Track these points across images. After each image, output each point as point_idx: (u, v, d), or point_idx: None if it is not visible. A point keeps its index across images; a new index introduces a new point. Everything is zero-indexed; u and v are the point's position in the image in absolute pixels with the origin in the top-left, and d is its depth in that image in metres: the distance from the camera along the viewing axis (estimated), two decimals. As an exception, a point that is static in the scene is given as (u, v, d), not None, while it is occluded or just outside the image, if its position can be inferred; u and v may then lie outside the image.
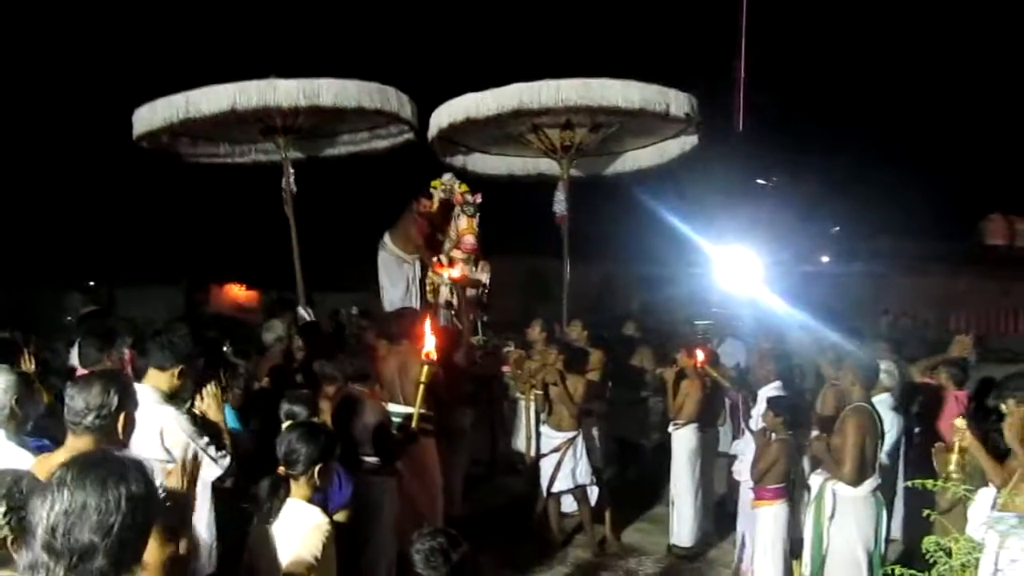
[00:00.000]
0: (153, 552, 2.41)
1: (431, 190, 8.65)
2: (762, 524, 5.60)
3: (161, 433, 3.74)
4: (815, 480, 5.28)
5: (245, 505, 3.40)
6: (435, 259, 8.39)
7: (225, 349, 5.83)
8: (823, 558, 5.15)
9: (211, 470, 3.85)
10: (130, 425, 3.11)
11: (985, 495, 4.16)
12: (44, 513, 1.77)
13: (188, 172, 11.16)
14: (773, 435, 5.58)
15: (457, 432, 6.98)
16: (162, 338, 3.97)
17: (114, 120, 8.60)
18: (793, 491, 5.71)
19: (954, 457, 4.36)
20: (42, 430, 3.58)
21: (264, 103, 7.48)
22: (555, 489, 6.98)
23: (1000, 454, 4.45)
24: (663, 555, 6.96)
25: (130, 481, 1.84)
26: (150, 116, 7.86)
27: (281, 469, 3.41)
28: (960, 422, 4.53)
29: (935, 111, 22.48)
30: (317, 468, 3.40)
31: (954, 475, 4.22)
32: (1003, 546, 4.04)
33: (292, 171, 8.39)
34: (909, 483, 4.03)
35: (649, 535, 7.40)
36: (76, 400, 3.00)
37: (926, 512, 3.78)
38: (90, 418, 2.98)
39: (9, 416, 3.30)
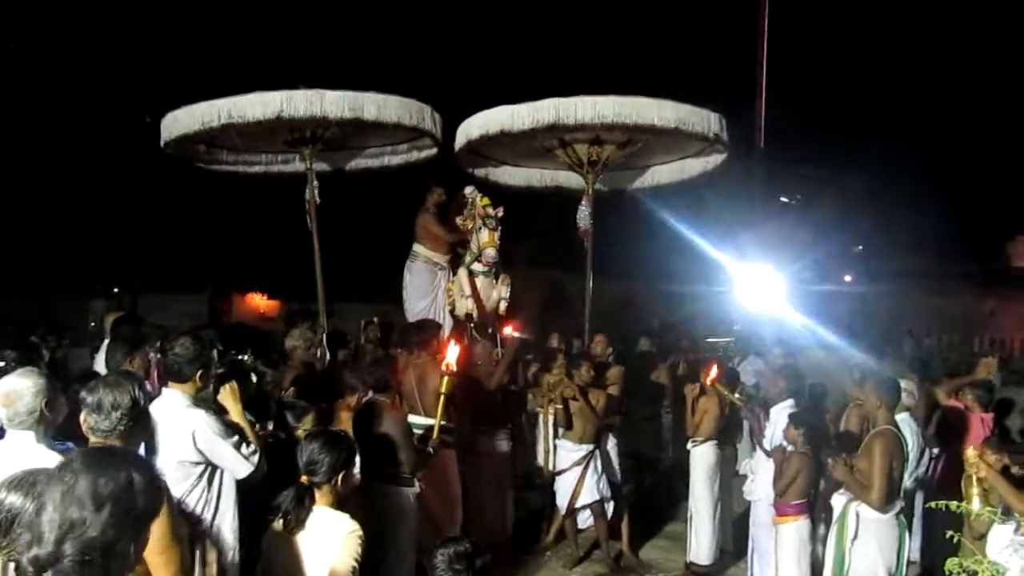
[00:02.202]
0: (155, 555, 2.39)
1: (432, 184, 8.79)
2: (784, 540, 5.56)
3: (194, 436, 3.78)
4: (838, 501, 5.24)
5: (269, 516, 3.41)
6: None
7: (245, 357, 5.88)
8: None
9: (241, 468, 3.89)
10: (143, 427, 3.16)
11: (1003, 530, 4.12)
12: (46, 496, 1.81)
13: (212, 181, 11.23)
14: (790, 449, 5.56)
15: (497, 454, 7.03)
16: (169, 358, 4.01)
17: (138, 127, 8.66)
18: (813, 508, 5.68)
19: (975, 490, 4.32)
20: (62, 433, 3.62)
21: (311, 113, 7.52)
22: (579, 504, 6.98)
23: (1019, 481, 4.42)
24: (681, 572, 6.94)
25: (131, 466, 1.86)
26: (188, 120, 7.87)
27: (304, 478, 3.43)
28: (971, 453, 4.49)
29: (962, 130, 22.30)
30: (340, 476, 3.42)
31: (976, 508, 4.18)
32: (1026, 569, 4.01)
33: (317, 182, 8.44)
34: (932, 504, 3.99)
35: (667, 552, 7.37)
36: (91, 403, 3.07)
37: (950, 534, 3.73)
38: (106, 423, 3.03)
39: (39, 419, 3.35)
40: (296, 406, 4.99)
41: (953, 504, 3.61)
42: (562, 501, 7.03)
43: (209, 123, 7.67)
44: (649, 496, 8.28)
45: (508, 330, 7.33)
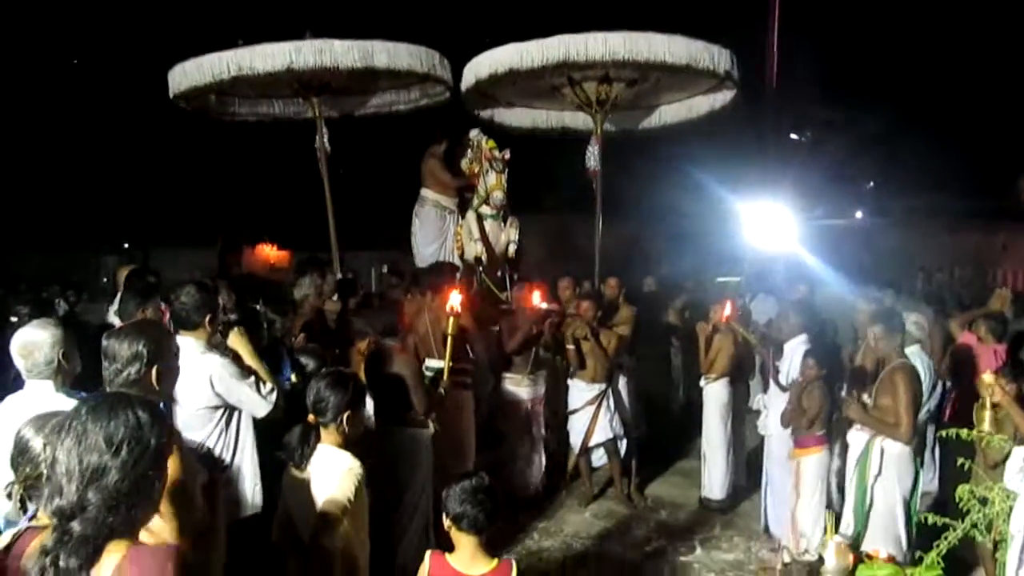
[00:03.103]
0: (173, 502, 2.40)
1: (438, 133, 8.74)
2: (806, 473, 5.60)
3: (211, 380, 3.83)
4: (858, 438, 5.27)
5: (278, 453, 3.46)
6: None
7: (257, 307, 5.90)
8: (867, 514, 5.19)
9: (260, 407, 3.95)
10: (167, 376, 3.16)
11: (1016, 456, 4.15)
12: (59, 441, 1.83)
13: (221, 133, 11.19)
14: (808, 386, 5.58)
15: (521, 402, 7.09)
16: (175, 307, 4.03)
17: (147, 82, 8.59)
18: (831, 440, 5.72)
19: (987, 414, 4.34)
20: (79, 383, 3.66)
21: (321, 63, 7.45)
22: (592, 442, 7.07)
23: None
24: (695, 507, 7.03)
25: (136, 407, 1.87)
26: (196, 73, 7.80)
27: (311, 417, 3.47)
28: (988, 378, 4.50)
29: (974, 66, 21.92)
30: (346, 415, 3.46)
31: (987, 430, 4.20)
32: (1038, 495, 4.05)
33: (326, 130, 8.39)
34: (943, 433, 4.01)
35: (681, 488, 7.46)
36: (108, 353, 3.08)
37: (961, 461, 3.77)
38: (123, 374, 3.05)
39: (57, 369, 3.38)
40: (313, 352, 5.01)
41: (964, 432, 3.63)
42: (576, 440, 7.11)
43: (219, 76, 7.63)
44: (662, 434, 8.35)
45: (536, 300, 6.93)
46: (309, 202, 9.21)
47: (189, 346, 3.90)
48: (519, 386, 7.01)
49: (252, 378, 3.96)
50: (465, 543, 3.04)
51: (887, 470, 5.15)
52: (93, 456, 1.79)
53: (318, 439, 3.45)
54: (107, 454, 1.79)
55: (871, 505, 5.17)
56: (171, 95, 8.18)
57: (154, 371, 3.06)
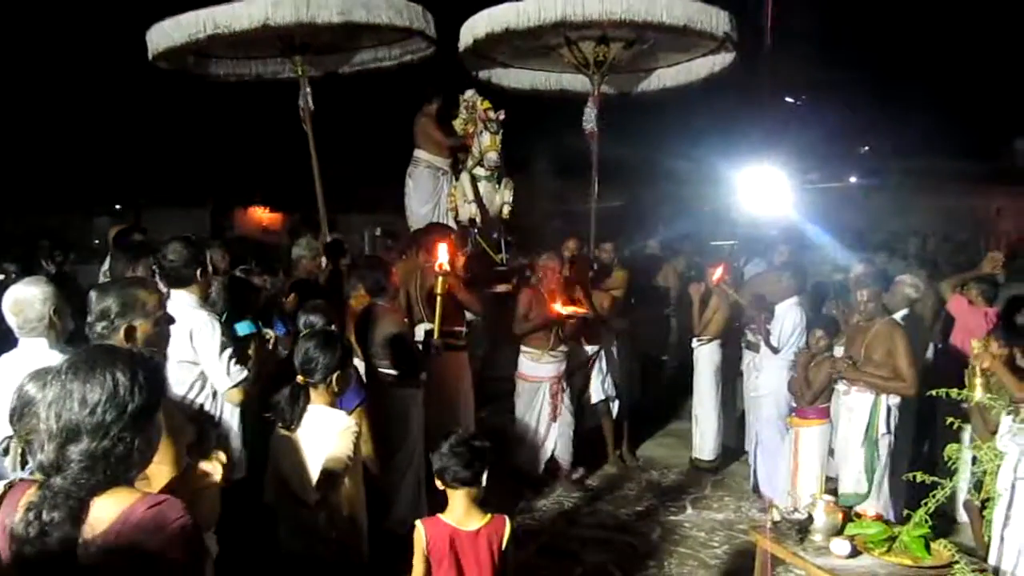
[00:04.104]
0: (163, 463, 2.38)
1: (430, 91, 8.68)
2: (806, 443, 5.63)
3: (191, 334, 3.81)
4: (862, 399, 5.31)
5: (267, 414, 3.47)
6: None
7: (251, 268, 5.88)
8: (874, 472, 5.26)
9: (221, 380, 3.88)
10: (148, 335, 3.07)
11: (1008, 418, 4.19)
12: (41, 398, 1.83)
13: (214, 93, 11.06)
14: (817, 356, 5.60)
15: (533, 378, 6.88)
16: (164, 264, 4.01)
17: (137, 42, 8.47)
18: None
19: (978, 380, 4.36)
20: (72, 342, 3.65)
21: (299, 19, 7.35)
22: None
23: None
24: (686, 468, 7.08)
25: (117, 367, 1.84)
26: (173, 32, 7.70)
27: (300, 378, 3.47)
28: (977, 345, 4.52)
29: (970, 29, 21.75)
30: (335, 375, 3.46)
31: (979, 396, 4.23)
32: (1023, 455, 4.09)
33: (309, 89, 8.30)
34: (934, 392, 4.04)
35: (672, 449, 7.52)
36: (87, 309, 3.07)
37: (950, 421, 3.80)
38: (94, 330, 3.03)
39: (49, 326, 3.37)
40: (321, 309, 4.96)
41: (953, 392, 3.65)
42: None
43: (196, 34, 7.52)
44: (656, 396, 8.39)
45: (565, 309, 6.43)
46: (301, 164, 9.14)
47: (182, 301, 3.91)
48: (538, 362, 6.65)
49: (230, 350, 3.90)
50: (456, 499, 3.08)
51: (893, 427, 5.24)
52: (71, 415, 1.77)
53: (307, 400, 3.46)
54: (83, 414, 1.78)
55: (877, 462, 5.25)
56: (150, 56, 8.07)
57: (123, 329, 3.00)
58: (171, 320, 3.19)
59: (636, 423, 7.56)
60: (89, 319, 3.04)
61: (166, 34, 7.74)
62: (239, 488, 3.92)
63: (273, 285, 5.70)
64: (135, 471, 1.90)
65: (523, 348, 6.72)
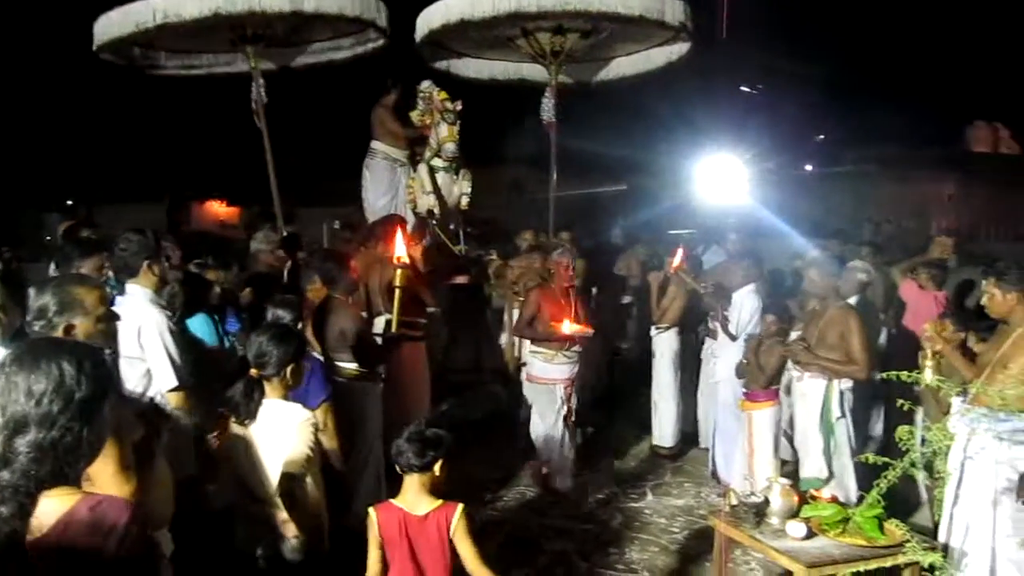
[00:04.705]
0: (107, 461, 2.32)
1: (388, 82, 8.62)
2: (758, 426, 5.70)
3: (139, 330, 3.75)
4: (816, 384, 5.38)
5: (221, 409, 3.42)
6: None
7: (207, 262, 5.80)
8: (831, 457, 5.34)
9: (165, 379, 3.80)
10: (91, 333, 3.00)
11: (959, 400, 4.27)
12: None
13: (165, 87, 10.90)
14: (767, 341, 5.66)
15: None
16: (116, 256, 3.98)
17: (89, 34, 8.30)
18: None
19: (929, 363, 4.44)
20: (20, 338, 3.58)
21: (249, 8, 7.24)
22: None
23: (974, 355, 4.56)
24: (646, 455, 7.14)
25: (63, 357, 1.80)
26: (121, 22, 7.55)
27: (254, 372, 3.43)
28: (928, 327, 4.61)
29: (922, 18, 22.13)
30: (289, 368, 3.43)
31: (931, 379, 4.30)
32: (972, 435, 4.18)
33: (263, 82, 8.20)
34: (885, 375, 4.11)
35: (632, 436, 7.56)
36: (29, 307, 3.01)
37: (901, 402, 3.87)
38: (33, 328, 2.98)
39: (-5, 322, 3.30)
40: (289, 303, 4.90)
41: (904, 374, 3.71)
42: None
43: (144, 24, 7.38)
44: (616, 383, 8.44)
45: (572, 328, 6.06)
46: (258, 157, 9.05)
47: (136, 294, 3.87)
48: (551, 363, 6.19)
49: (175, 352, 3.84)
50: (408, 483, 3.09)
51: (847, 411, 5.32)
52: (17, 407, 1.74)
53: (262, 394, 3.42)
54: (29, 405, 1.74)
55: (835, 446, 5.33)
56: (95, 47, 7.91)
57: (61, 327, 2.94)
58: (115, 317, 3.14)
59: (597, 410, 7.60)
60: (28, 318, 2.99)
61: (113, 24, 7.60)
62: (194, 485, 3.89)
63: (226, 280, 5.62)
64: (84, 463, 1.87)
65: (533, 348, 6.34)
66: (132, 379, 3.78)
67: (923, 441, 3.86)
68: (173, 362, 3.79)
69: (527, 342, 7.09)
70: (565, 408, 6.23)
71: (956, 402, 4.31)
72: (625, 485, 6.46)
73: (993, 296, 4.22)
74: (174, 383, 3.79)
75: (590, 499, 6.20)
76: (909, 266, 7.02)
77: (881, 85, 21.64)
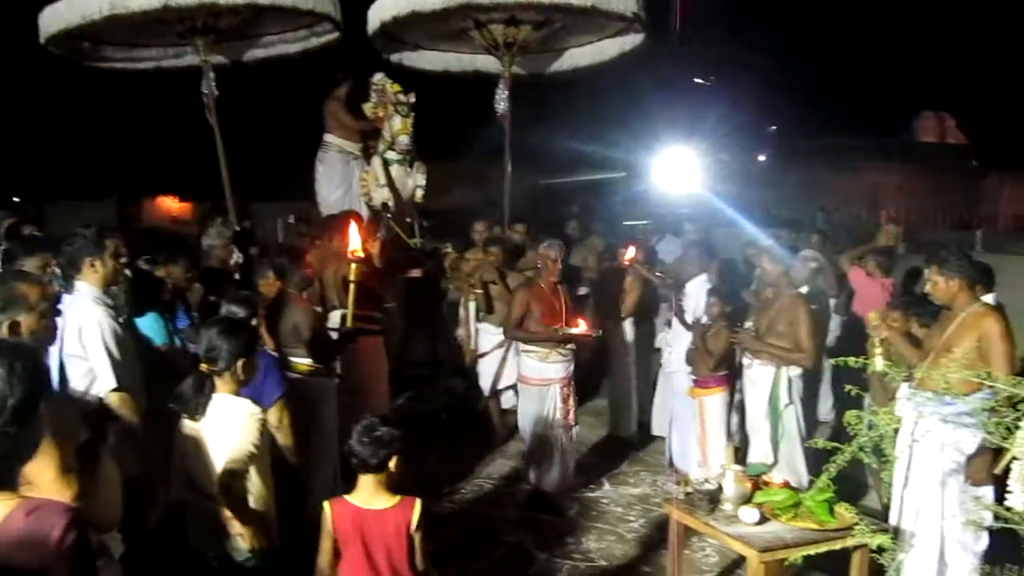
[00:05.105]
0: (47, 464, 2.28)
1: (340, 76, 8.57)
2: (709, 412, 5.77)
3: (80, 329, 3.70)
4: (765, 371, 5.45)
5: (170, 405, 3.37)
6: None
7: (156, 260, 5.70)
8: (778, 442, 5.41)
9: (106, 379, 3.75)
10: (35, 330, 2.97)
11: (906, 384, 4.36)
12: None
13: (113, 81, 10.70)
14: (713, 325, 5.72)
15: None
16: (63, 251, 3.95)
17: (34, 28, 8.10)
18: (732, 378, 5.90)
19: (877, 350, 4.53)
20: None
21: (200, 1, 7.13)
22: (501, 385, 7.12)
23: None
24: (603, 445, 7.18)
25: None
26: (68, 14, 7.37)
27: (204, 366, 3.38)
28: (875, 316, 4.70)
29: (872, 9, 22.52)
30: (240, 363, 3.38)
31: (878, 366, 4.39)
32: (919, 419, 4.26)
33: (213, 75, 8.07)
34: (833, 361, 4.18)
35: (590, 426, 7.57)
36: None
37: (848, 388, 3.93)
38: None
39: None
40: (244, 299, 4.80)
41: (851, 360, 3.77)
42: (485, 383, 7.15)
43: (90, 16, 7.21)
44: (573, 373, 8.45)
45: (581, 328, 5.74)
46: (211, 152, 8.93)
47: (82, 293, 3.83)
48: (545, 361, 5.81)
49: (116, 353, 3.78)
50: (363, 482, 3.08)
51: (795, 397, 5.40)
52: None
53: (213, 388, 3.38)
54: None
55: (783, 431, 5.41)
56: (41, 39, 7.73)
57: (5, 325, 2.89)
58: (57, 313, 3.08)
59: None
60: None
61: (59, 16, 7.41)
62: (143, 486, 3.83)
63: (177, 276, 5.52)
64: (19, 466, 1.84)
65: (524, 347, 5.94)
66: (75, 377, 3.72)
67: (871, 426, 3.93)
68: (114, 362, 3.73)
69: (484, 333, 7.12)
70: (562, 408, 5.82)
71: (903, 387, 4.39)
72: (583, 475, 6.48)
73: (936, 283, 4.33)
74: (114, 384, 3.73)
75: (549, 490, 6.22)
76: (857, 254, 7.14)
77: (832, 76, 21.98)
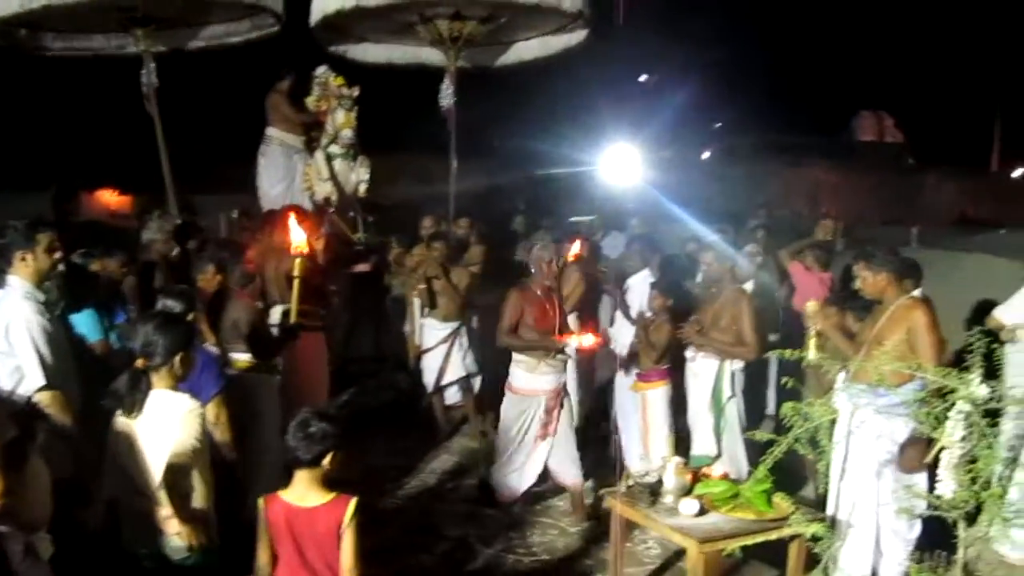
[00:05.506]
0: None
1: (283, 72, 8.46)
2: (652, 405, 5.81)
3: (7, 326, 3.63)
4: (708, 364, 5.52)
5: (103, 402, 3.29)
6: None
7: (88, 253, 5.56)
8: (721, 434, 5.49)
9: (33, 378, 3.69)
10: None
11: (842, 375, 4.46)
12: None
13: (49, 68, 10.42)
14: (656, 319, 5.76)
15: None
16: None
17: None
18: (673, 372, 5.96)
19: (812, 342, 4.63)
20: None
21: None
22: (445, 380, 7.10)
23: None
24: (548, 440, 7.18)
25: None
26: (4, 3, 7.18)
27: (140, 362, 3.31)
28: (812, 307, 4.80)
29: (815, 9, 22.93)
30: (178, 357, 3.31)
31: (812, 357, 4.47)
32: (855, 410, 4.36)
33: (153, 65, 7.91)
34: (772, 354, 4.26)
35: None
36: None
37: (784, 380, 4.00)
38: None
39: None
40: (181, 293, 4.69)
41: (787, 352, 3.84)
42: (429, 379, 7.12)
43: (27, 5, 7.04)
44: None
45: (587, 341, 5.51)
46: (152, 143, 8.74)
47: (14, 286, 3.77)
48: (534, 372, 5.51)
49: (41, 357, 3.70)
50: (298, 478, 3.04)
51: (737, 390, 5.48)
52: None
53: (149, 384, 3.31)
54: None
55: (725, 424, 5.48)
56: None
57: None
58: None
59: (499, 397, 7.62)
60: None
61: None
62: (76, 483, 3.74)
63: (114, 270, 5.40)
64: None
65: (514, 356, 5.64)
66: (2, 375, 3.63)
67: (806, 417, 4.01)
68: (43, 360, 3.64)
69: (428, 329, 7.09)
70: (541, 422, 5.53)
71: (840, 378, 4.49)
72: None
73: (865, 278, 4.46)
74: (42, 382, 3.65)
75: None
76: (795, 249, 7.27)
77: (777, 75, 22.32)
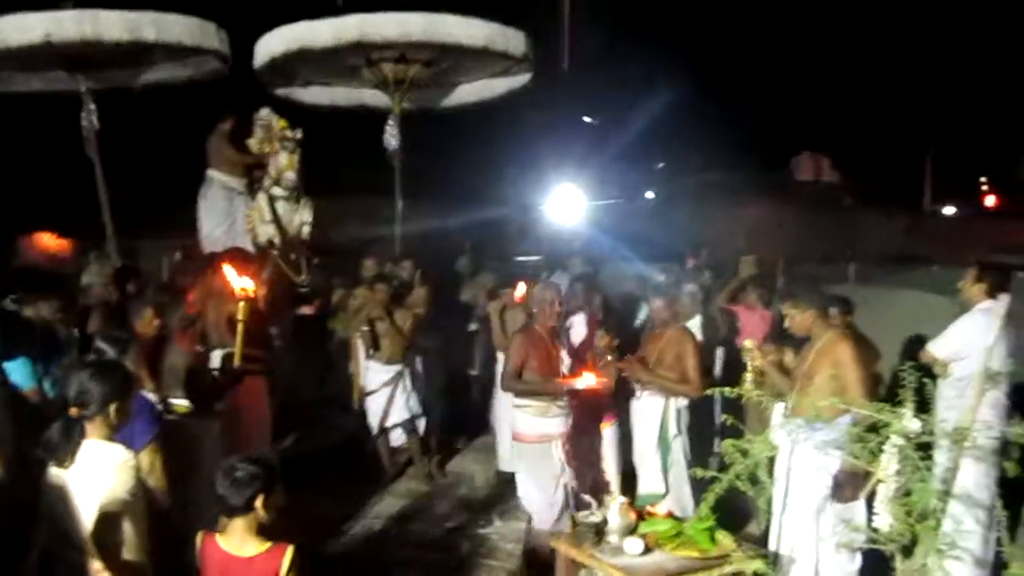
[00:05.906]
0: None
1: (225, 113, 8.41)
2: (607, 444, 5.85)
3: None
4: (654, 403, 5.57)
5: (38, 451, 3.20)
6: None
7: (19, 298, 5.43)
8: (667, 473, 5.52)
9: None
10: None
11: (780, 408, 4.55)
12: None
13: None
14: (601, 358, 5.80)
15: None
16: None
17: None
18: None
19: (748, 376, 4.72)
20: None
21: (83, 36, 6.91)
22: (389, 423, 7.04)
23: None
24: (492, 480, 7.15)
25: None
26: None
27: (74, 410, 3.22)
28: (749, 344, 4.90)
29: (755, 53, 23.60)
30: (113, 407, 3.24)
31: (750, 392, 4.55)
32: (793, 446, 4.43)
33: (94, 107, 7.82)
34: (712, 391, 4.32)
35: (479, 462, 7.58)
36: None
37: (724, 417, 4.06)
38: None
39: None
40: (115, 339, 4.59)
41: (727, 389, 3.90)
42: (373, 421, 7.06)
43: None
44: (463, 411, 8.45)
45: (583, 382, 5.25)
46: (90, 186, 8.61)
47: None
48: (544, 416, 5.32)
49: None
50: (232, 525, 2.99)
51: (682, 428, 5.54)
52: None
53: (82, 434, 3.22)
54: None
55: (671, 460, 5.52)
56: None
57: None
58: None
59: (444, 439, 7.59)
60: None
61: None
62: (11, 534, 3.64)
63: (49, 315, 5.28)
64: None
65: (519, 401, 5.41)
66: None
67: (745, 454, 4.06)
68: None
69: (371, 371, 7.04)
70: (565, 470, 5.36)
71: (778, 413, 4.57)
72: (474, 512, 6.45)
73: (793, 316, 4.59)
74: None
75: (438, 528, 6.17)
76: (730, 290, 7.42)
77: (718, 117, 22.87)
